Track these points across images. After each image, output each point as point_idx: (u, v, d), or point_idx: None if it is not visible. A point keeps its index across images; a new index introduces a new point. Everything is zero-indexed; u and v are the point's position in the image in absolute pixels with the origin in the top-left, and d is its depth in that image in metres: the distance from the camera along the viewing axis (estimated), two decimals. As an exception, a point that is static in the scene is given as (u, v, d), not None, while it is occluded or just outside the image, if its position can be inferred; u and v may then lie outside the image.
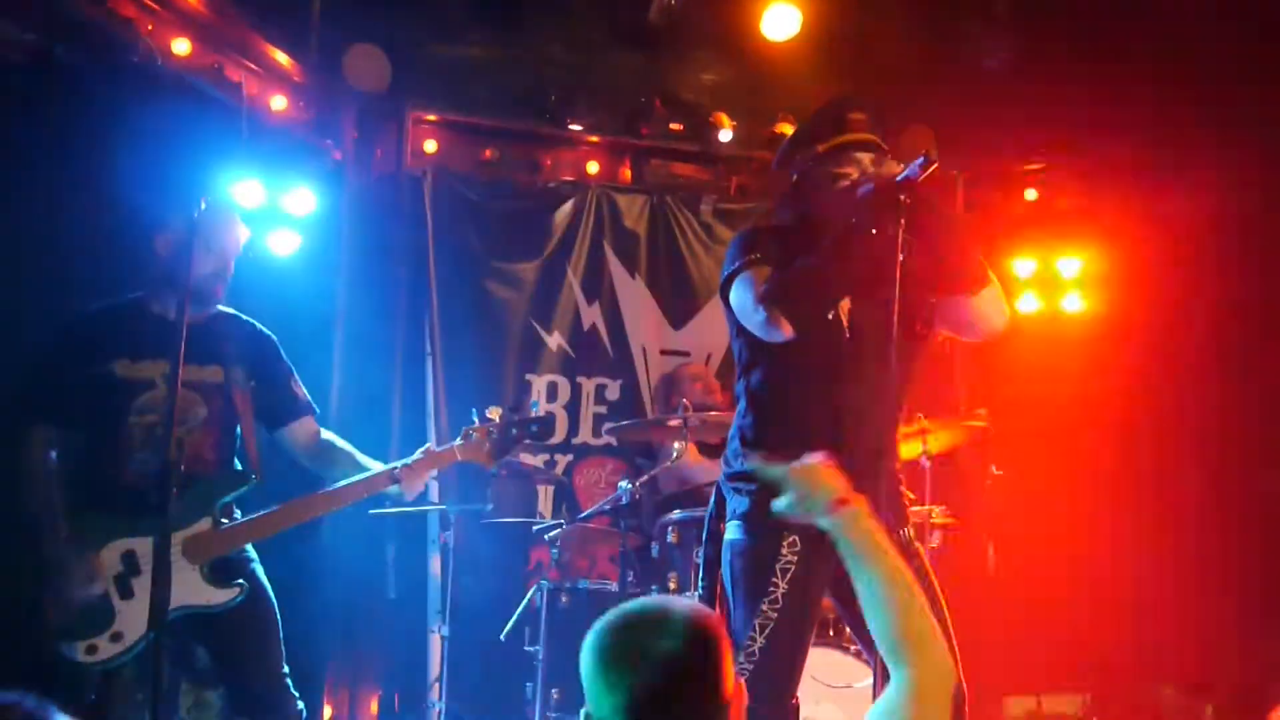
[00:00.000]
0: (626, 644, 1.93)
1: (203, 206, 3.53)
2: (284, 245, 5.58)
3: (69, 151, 4.68)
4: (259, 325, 3.99)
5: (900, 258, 3.06)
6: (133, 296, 3.82)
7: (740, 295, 3.36)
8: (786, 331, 3.22)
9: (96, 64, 4.80)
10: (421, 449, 3.94)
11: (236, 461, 3.87)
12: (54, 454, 3.66)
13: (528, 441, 4.07)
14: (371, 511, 5.53)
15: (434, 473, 4.00)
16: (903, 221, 3.07)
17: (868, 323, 3.32)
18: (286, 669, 3.78)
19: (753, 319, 3.32)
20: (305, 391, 4.03)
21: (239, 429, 3.84)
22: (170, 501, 3.21)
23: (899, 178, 3.09)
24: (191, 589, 3.58)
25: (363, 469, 3.88)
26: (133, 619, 3.54)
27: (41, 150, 4.61)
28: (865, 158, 3.29)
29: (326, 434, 4.04)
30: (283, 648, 3.79)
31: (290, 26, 5.77)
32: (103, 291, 3.95)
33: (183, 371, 3.33)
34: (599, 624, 2.00)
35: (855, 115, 3.34)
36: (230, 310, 3.93)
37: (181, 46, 5.15)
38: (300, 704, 3.78)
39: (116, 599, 3.55)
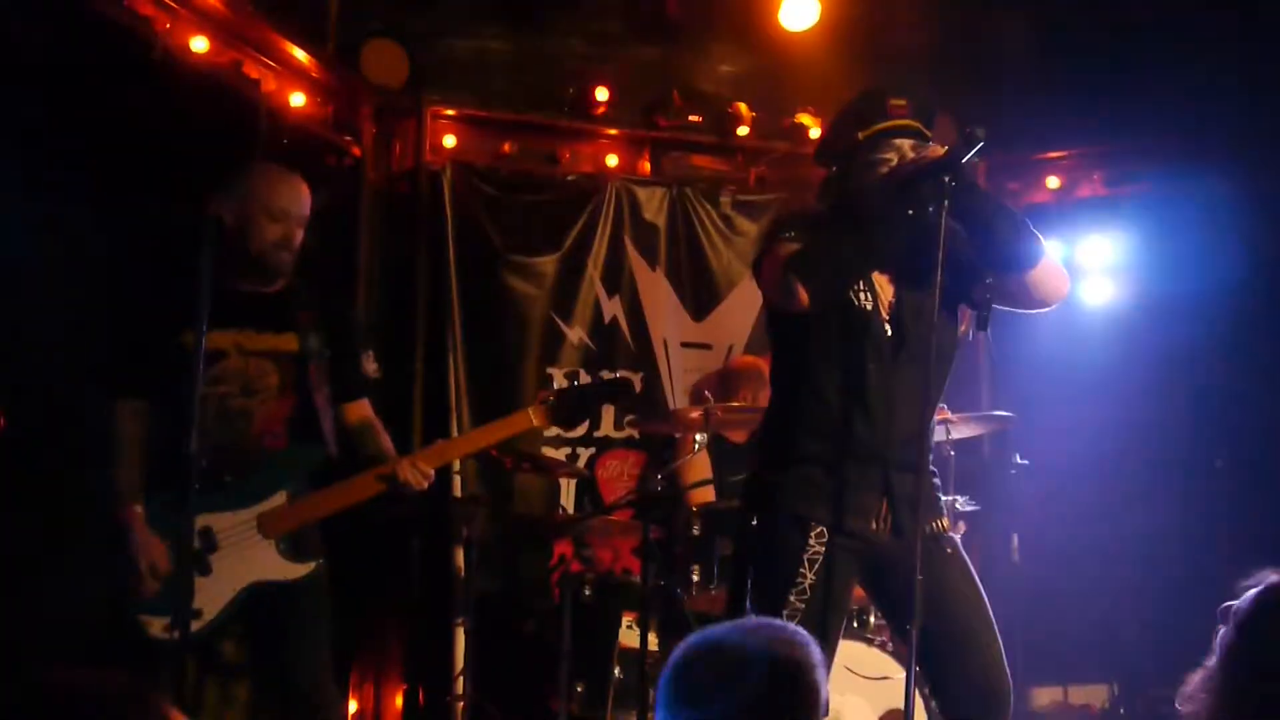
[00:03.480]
0: (705, 677, 1.85)
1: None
2: (304, 242, 5.58)
3: (86, 151, 4.69)
4: (337, 296, 3.98)
5: (942, 240, 3.04)
6: (207, 269, 3.73)
7: (765, 269, 3.34)
8: (802, 299, 3.19)
9: (113, 63, 4.80)
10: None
11: (314, 433, 3.77)
12: (136, 427, 3.65)
13: (605, 403, 3.95)
14: (393, 505, 5.54)
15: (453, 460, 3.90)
16: (946, 204, 3.04)
17: (907, 312, 3.30)
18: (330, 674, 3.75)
19: (771, 288, 3.30)
20: (372, 371, 3.99)
21: (315, 400, 3.76)
22: (190, 490, 3.17)
23: (942, 158, 3.07)
24: (268, 564, 3.57)
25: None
26: (211, 595, 3.53)
27: (58, 150, 4.62)
28: (905, 144, 3.26)
29: (374, 421, 3.95)
30: (328, 653, 3.74)
31: (308, 22, 5.78)
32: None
33: (256, 339, 3.32)
34: (678, 651, 1.91)
35: (895, 102, 3.31)
36: (310, 279, 3.87)
37: (200, 44, 5.16)
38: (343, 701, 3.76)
39: (195, 575, 3.50)
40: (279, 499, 3.62)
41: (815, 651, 1.95)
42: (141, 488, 3.61)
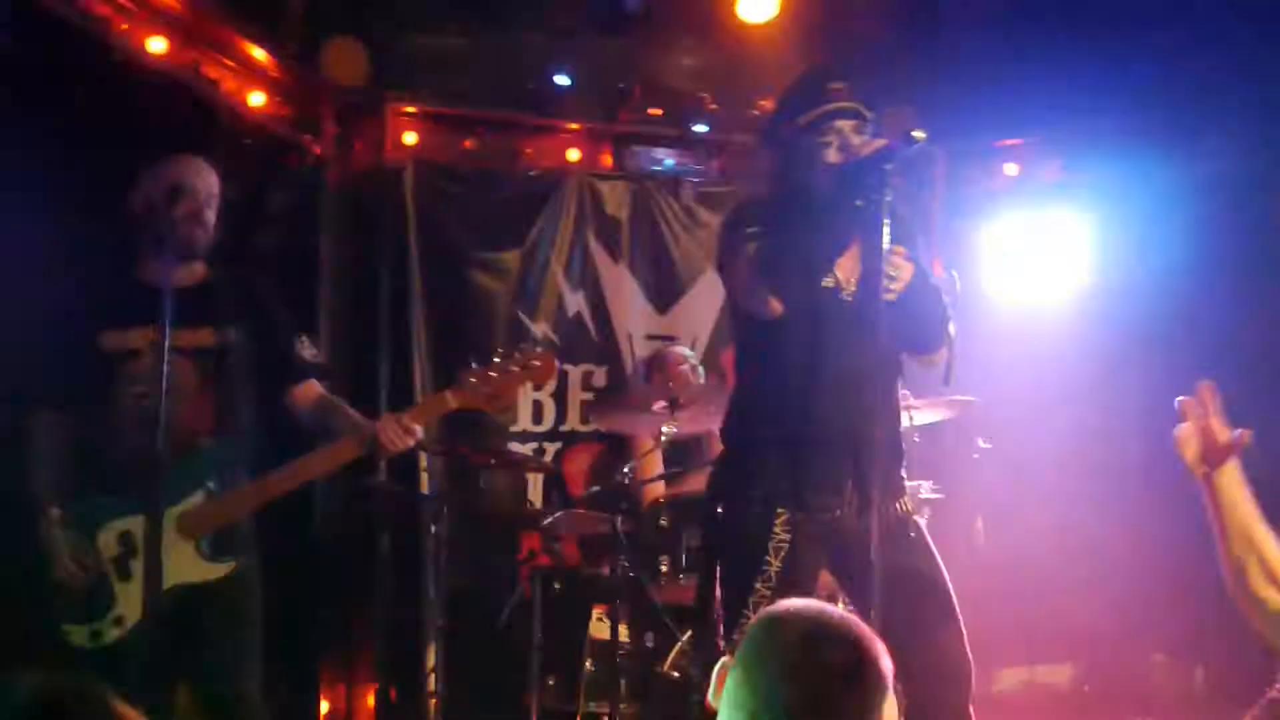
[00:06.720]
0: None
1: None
2: (266, 241, 5.58)
3: (44, 154, 4.65)
4: (262, 283, 3.83)
5: (886, 226, 3.11)
6: (119, 266, 3.69)
7: (732, 273, 3.41)
8: (776, 309, 3.28)
9: (71, 65, 4.77)
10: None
11: (233, 430, 3.67)
12: (55, 438, 3.58)
13: (529, 382, 3.80)
14: (362, 504, 5.55)
15: (424, 424, 3.73)
16: (889, 191, 3.11)
17: (864, 291, 3.35)
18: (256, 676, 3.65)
19: (743, 297, 3.37)
20: (313, 354, 3.84)
21: (237, 395, 3.67)
22: (158, 487, 3.12)
23: (882, 151, 3.13)
24: (188, 566, 3.48)
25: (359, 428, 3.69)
26: (132, 602, 3.45)
27: (15, 153, 4.57)
28: (847, 125, 3.32)
29: (333, 399, 3.82)
30: (255, 655, 3.65)
31: (267, 22, 5.75)
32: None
33: (171, 336, 3.20)
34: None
35: (834, 85, 3.37)
36: (230, 269, 3.79)
37: (157, 45, 5.13)
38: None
39: (116, 582, 3.47)
40: (196, 499, 3.51)
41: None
42: (59, 494, 3.53)
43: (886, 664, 1.80)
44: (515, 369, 3.67)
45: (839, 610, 1.89)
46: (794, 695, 1.75)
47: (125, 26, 5.00)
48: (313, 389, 3.81)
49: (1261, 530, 2.52)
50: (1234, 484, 2.54)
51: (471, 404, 3.69)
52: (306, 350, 3.82)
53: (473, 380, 3.66)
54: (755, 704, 1.77)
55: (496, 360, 3.68)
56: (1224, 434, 2.53)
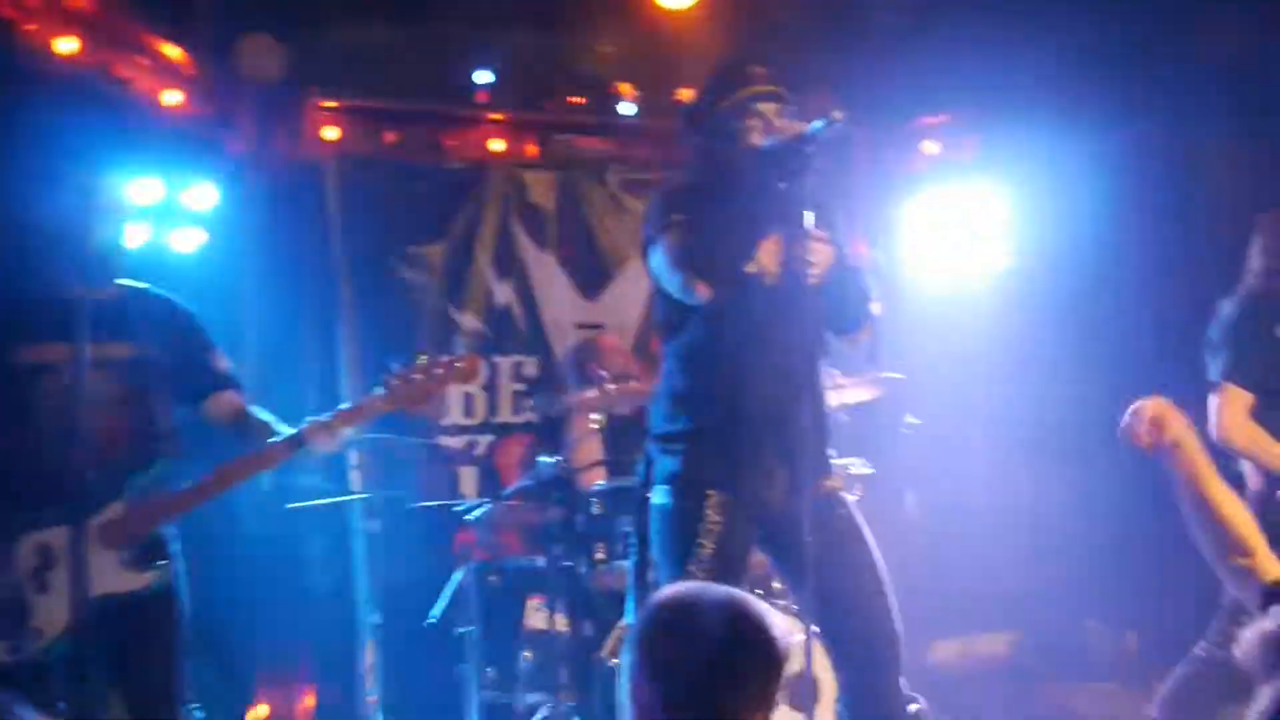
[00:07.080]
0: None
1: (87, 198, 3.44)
2: (187, 242, 5.51)
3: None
4: (174, 299, 3.82)
5: (808, 208, 3.14)
6: (34, 279, 3.64)
7: (658, 260, 3.42)
8: (704, 294, 3.31)
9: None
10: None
11: (151, 440, 3.67)
12: None
13: (454, 383, 3.85)
14: (290, 505, 5.49)
15: (352, 428, 3.76)
16: (811, 173, 3.14)
17: (788, 272, 3.38)
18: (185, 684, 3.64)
19: (671, 283, 3.38)
20: (228, 365, 3.85)
21: (155, 406, 3.68)
22: (81, 495, 3.10)
23: (804, 133, 3.16)
24: (110, 575, 3.46)
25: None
26: (50, 614, 3.41)
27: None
28: (769, 108, 3.36)
29: (250, 409, 3.83)
30: (182, 663, 3.64)
31: (182, 19, 5.67)
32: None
33: (88, 350, 3.21)
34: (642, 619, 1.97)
35: (755, 69, 3.40)
36: (143, 285, 3.78)
37: (67, 45, 5.04)
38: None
39: (32, 594, 3.42)
40: (117, 508, 3.49)
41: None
42: None
43: (781, 638, 1.85)
44: (440, 371, 3.70)
45: (726, 589, 1.95)
46: (684, 671, 1.81)
47: (34, 27, 4.91)
48: (232, 399, 3.83)
49: (1222, 498, 2.61)
50: (1197, 456, 2.67)
51: (398, 408, 3.70)
52: (222, 362, 3.84)
53: (396, 384, 3.69)
54: (649, 682, 1.82)
55: (421, 363, 3.70)
56: (1177, 423, 2.64)
